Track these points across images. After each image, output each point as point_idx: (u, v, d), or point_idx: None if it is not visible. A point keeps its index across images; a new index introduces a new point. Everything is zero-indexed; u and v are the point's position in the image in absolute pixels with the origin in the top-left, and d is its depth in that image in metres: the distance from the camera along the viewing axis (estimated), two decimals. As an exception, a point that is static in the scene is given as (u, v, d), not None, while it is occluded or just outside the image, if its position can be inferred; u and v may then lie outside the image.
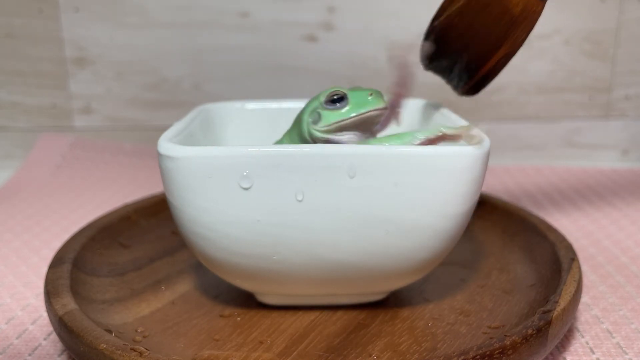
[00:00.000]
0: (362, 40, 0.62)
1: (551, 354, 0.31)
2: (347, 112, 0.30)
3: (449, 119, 0.35)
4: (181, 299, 0.34)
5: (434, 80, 0.68)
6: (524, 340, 0.26)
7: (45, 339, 0.32)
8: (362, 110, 0.30)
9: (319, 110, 0.31)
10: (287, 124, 0.35)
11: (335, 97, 0.30)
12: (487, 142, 0.29)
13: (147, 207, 0.42)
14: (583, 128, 0.65)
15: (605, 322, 0.33)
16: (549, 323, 0.27)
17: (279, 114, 0.39)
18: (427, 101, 0.40)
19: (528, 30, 0.33)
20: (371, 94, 0.30)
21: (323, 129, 0.30)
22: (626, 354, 0.31)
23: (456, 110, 0.66)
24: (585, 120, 0.65)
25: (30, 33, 0.62)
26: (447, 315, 0.32)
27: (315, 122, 0.31)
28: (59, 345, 0.32)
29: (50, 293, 0.30)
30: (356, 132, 0.31)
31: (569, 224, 0.47)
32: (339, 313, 0.32)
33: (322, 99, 0.31)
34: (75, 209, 0.52)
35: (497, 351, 0.26)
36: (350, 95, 0.30)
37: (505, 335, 0.26)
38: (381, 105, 0.30)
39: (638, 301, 0.36)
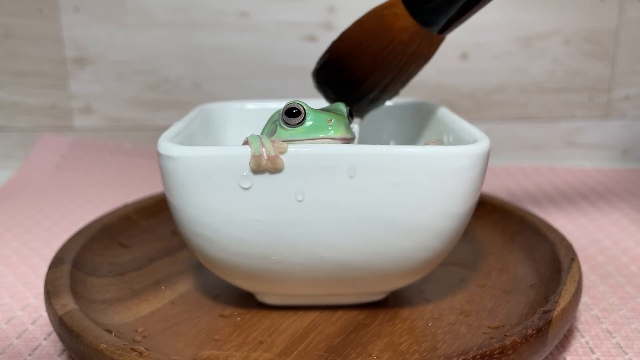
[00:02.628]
0: (362, 40, 0.62)
1: (551, 354, 0.31)
2: (297, 133, 0.28)
3: (448, 119, 0.35)
4: (181, 299, 0.34)
5: (434, 80, 0.68)
6: (524, 340, 0.26)
7: (45, 339, 0.32)
8: (312, 136, 0.28)
9: (277, 123, 0.29)
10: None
11: (294, 110, 0.28)
12: (487, 142, 0.29)
13: (147, 207, 0.42)
14: (583, 128, 0.65)
15: (605, 322, 0.33)
16: (549, 323, 0.27)
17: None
18: (427, 101, 0.40)
19: (415, 59, 0.32)
20: (331, 120, 0.28)
21: None
22: (626, 354, 0.31)
23: (456, 110, 0.66)
24: (585, 120, 0.65)
25: (30, 33, 0.62)
26: (447, 315, 0.32)
27: (272, 134, 0.29)
28: (59, 345, 0.32)
29: (50, 293, 0.30)
30: None
31: (569, 224, 0.47)
32: (339, 313, 0.32)
33: (282, 110, 0.29)
34: (75, 209, 0.52)
35: (497, 351, 0.26)
36: (308, 114, 0.28)
37: (505, 335, 0.26)
38: (338, 134, 0.28)
39: (638, 301, 0.36)
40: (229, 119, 0.40)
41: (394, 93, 0.35)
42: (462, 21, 0.31)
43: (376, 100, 0.35)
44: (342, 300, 0.32)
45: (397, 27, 0.31)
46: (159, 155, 0.28)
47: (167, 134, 0.30)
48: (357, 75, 0.33)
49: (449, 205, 0.28)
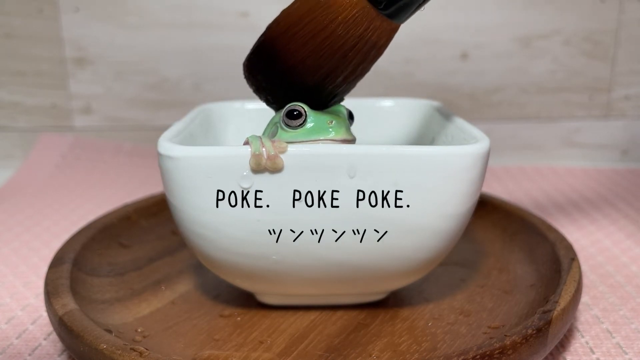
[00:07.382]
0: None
1: (551, 354, 0.31)
2: (298, 135, 0.28)
3: (448, 119, 0.35)
4: (181, 299, 0.34)
5: (434, 80, 0.68)
6: (524, 340, 0.26)
7: (45, 339, 0.32)
8: (312, 138, 0.28)
9: (278, 124, 0.29)
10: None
11: (294, 112, 0.28)
12: (487, 142, 0.29)
13: (147, 207, 0.42)
14: (583, 128, 0.65)
15: (605, 322, 0.33)
16: (549, 323, 0.27)
17: (279, 114, 0.39)
18: (427, 101, 0.40)
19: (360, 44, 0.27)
20: (331, 122, 0.28)
21: None
22: (626, 354, 0.31)
23: (456, 110, 0.66)
24: (585, 120, 0.65)
25: (30, 33, 0.62)
26: (447, 315, 0.32)
27: (273, 136, 0.29)
28: (59, 345, 0.32)
29: (50, 293, 0.30)
30: None
31: (569, 224, 0.47)
32: (339, 313, 0.32)
33: (283, 112, 0.29)
34: (75, 209, 0.52)
35: (497, 351, 0.26)
36: (309, 116, 0.28)
37: (505, 335, 0.26)
38: (338, 136, 0.28)
39: (638, 301, 0.36)
40: (229, 119, 0.40)
41: (336, 91, 0.30)
42: (420, 6, 0.27)
43: (315, 94, 0.30)
44: (342, 300, 0.32)
45: (339, 2, 0.27)
46: (159, 155, 0.28)
47: (167, 134, 0.30)
48: (290, 62, 0.28)
49: (448, 206, 0.28)
